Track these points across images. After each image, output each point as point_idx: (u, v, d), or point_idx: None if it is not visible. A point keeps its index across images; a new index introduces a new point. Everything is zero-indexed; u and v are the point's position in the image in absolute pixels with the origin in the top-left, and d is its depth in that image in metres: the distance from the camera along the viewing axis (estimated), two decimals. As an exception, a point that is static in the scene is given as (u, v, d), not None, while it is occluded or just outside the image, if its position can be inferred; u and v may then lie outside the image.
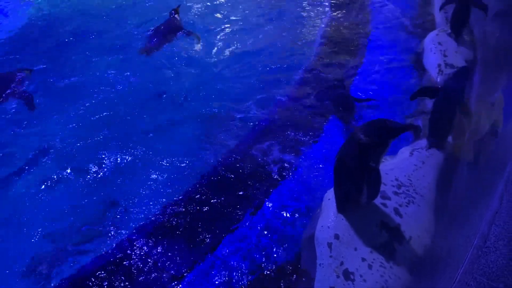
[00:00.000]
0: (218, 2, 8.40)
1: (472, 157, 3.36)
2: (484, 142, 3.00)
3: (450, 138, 3.94)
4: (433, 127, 3.98)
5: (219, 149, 4.80)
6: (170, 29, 6.93)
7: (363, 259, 2.87)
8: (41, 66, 6.40)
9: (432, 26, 6.63)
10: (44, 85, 5.97)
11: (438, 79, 5.06)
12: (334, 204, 3.22)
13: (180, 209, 4.08)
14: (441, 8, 6.23)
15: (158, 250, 3.73)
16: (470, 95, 4.39)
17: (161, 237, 3.84)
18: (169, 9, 7.35)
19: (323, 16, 7.79)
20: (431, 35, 5.96)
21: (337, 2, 8.26)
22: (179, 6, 7.48)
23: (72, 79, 6.14)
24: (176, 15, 7.24)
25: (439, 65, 5.24)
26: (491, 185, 2.48)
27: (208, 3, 8.39)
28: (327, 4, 8.24)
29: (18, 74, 5.88)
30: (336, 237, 3.01)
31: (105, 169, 4.59)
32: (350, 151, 2.91)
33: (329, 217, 3.22)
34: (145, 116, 5.40)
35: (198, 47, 6.77)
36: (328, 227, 3.13)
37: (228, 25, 7.51)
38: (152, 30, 7.03)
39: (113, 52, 6.77)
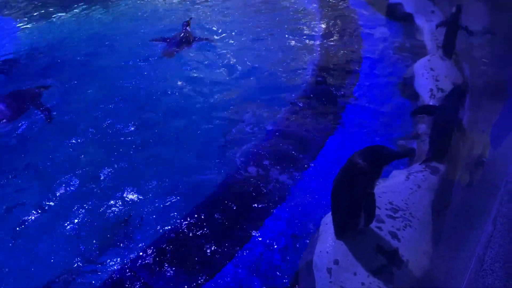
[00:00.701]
0: (212, 25, 8.93)
1: (466, 180, 3.43)
2: (477, 165, 3.07)
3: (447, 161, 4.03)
4: (433, 143, 4.26)
5: (219, 169, 4.93)
6: (185, 37, 7.95)
7: (363, 284, 2.88)
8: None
9: (420, 52, 6.84)
10: (53, 104, 6.33)
11: (431, 103, 5.19)
12: (332, 229, 3.24)
13: (177, 233, 4.11)
14: (437, 27, 6.66)
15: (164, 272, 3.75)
16: (463, 118, 4.53)
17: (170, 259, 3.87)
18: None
19: (315, 43, 8.01)
20: (423, 61, 6.12)
21: (328, 29, 8.50)
22: (190, 19, 8.60)
23: (80, 98, 6.53)
24: (187, 27, 8.31)
25: (431, 90, 5.37)
26: (485, 208, 2.53)
27: (203, 28, 8.91)
28: (317, 31, 8.48)
29: (36, 90, 6.46)
30: (336, 262, 3.03)
31: (114, 188, 4.72)
32: (347, 176, 2.97)
33: (327, 242, 3.23)
34: (146, 134, 5.61)
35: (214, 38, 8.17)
36: (327, 252, 3.14)
37: (220, 48, 7.94)
38: (169, 39, 7.99)
39: (117, 71, 7.28)
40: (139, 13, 9.97)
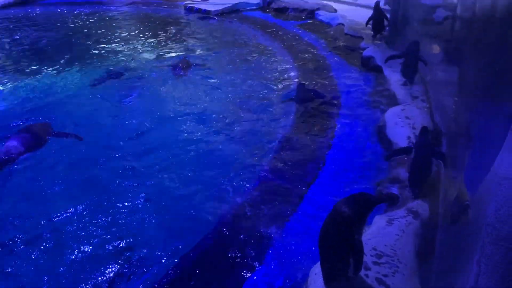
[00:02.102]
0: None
1: (450, 222, 3.51)
2: (459, 208, 3.17)
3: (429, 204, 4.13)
4: (412, 178, 4.68)
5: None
6: (186, 64, 9.93)
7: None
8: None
9: (389, 101, 7.18)
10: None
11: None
12: (321, 279, 3.22)
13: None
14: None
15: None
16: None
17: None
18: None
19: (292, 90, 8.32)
20: (392, 110, 6.41)
21: (305, 80, 8.84)
22: (186, 57, 10.47)
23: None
24: (186, 58, 10.23)
25: (408, 137, 5.58)
26: (470, 249, 2.60)
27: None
28: (294, 81, 8.83)
29: (47, 122, 7.02)
30: (327, 313, 2.99)
31: (113, 224, 4.77)
32: (334, 225, 3.00)
33: (317, 292, 3.20)
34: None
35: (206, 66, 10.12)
36: (317, 303, 3.11)
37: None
38: (172, 66, 9.87)
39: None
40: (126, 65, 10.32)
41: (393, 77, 7.93)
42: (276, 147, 6.28)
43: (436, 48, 6.88)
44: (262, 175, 5.63)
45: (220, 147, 6.47)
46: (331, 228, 3.03)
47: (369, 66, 9.06)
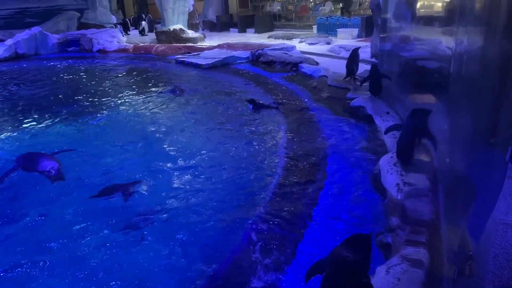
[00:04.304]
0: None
1: (451, 273, 3.49)
2: (460, 261, 3.16)
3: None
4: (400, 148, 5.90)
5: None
6: (181, 90, 12.60)
7: None
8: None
9: (382, 149, 7.29)
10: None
11: (398, 197, 5.40)
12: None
13: None
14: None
15: None
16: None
17: None
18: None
19: (279, 145, 8.36)
20: (385, 158, 6.49)
21: (292, 131, 8.98)
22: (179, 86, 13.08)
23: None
24: (180, 86, 12.88)
25: (397, 184, 5.62)
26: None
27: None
28: (282, 132, 8.97)
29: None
30: None
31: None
32: (339, 270, 2.92)
33: None
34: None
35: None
36: None
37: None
38: (170, 90, 12.81)
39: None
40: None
41: (384, 125, 8.09)
42: (264, 198, 6.19)
43: (426, 99, 7.09)
44: (253, 222, 5.51)
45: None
46: (336, 273, 2.91)
47: (358, 115, 9.29)
